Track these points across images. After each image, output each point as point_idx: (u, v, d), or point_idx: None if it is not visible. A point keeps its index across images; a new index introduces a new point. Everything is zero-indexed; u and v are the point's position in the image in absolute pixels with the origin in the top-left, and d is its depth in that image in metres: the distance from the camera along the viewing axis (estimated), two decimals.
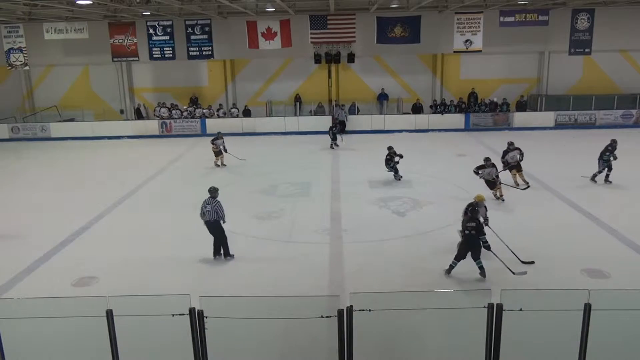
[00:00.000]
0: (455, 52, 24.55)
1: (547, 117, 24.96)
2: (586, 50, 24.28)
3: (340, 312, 5.78)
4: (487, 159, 13.59)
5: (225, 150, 18.45)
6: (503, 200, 13.63)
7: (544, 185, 15.23)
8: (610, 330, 5.95)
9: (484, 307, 5.94)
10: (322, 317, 5.85)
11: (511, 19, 23.75)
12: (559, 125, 24.80)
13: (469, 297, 7.98)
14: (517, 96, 25.74)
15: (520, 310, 5.72)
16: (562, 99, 25.45)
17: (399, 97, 26.29)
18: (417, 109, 25.53)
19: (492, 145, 21.37)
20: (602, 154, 15.07)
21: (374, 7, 22.45)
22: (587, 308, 5.55)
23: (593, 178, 15.26)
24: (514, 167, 15.02)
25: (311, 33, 24.28)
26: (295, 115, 25.79)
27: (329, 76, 26.70)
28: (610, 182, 15.03)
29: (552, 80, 26.33)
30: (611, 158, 14.94)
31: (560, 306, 5.65)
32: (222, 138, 18.50)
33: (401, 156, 15.94)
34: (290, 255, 10.74)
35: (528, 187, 14.47)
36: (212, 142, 18.40)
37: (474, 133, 24.23)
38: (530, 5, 23.07)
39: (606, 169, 15.01)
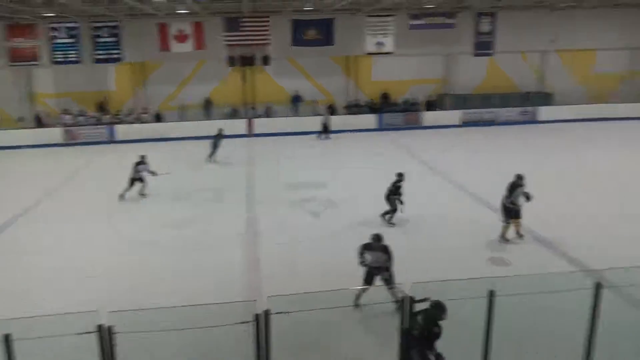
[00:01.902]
0: (367, 54, 25.18)
1: (454, 116, 26.17)
2: (489, 51, 25.79)
3: (257, 317, 5.73)
4: (376, 237, 8.64)
5: (154, 174, 15.02)
6: (357, 305, 8.38)
7: (448, 180, 15.93)
8: (513, 313, 6.32)
9: (397, 301, 6.11)
10: (238, 323, 5.78)
11: (420, 22, 24.75)
12: (465, 123, 26.05)
13: (385, 293, 8.19)
14: (426, 96, 26.77)
15: (426, 299, 5.97)
16: (468, 98, 26.78)
17: (313, 99, 26.53)
18: (332, 110, 25.88)
19: (406, 143, 22.11)
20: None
21: (288, 9, 22.52)
22: (491, 294, 5.84)
23: None
24: (517, 214, 11.15)
25: (225, 35, 23.98)
26: (207, 119, 25.32)
27: (244, 79, 26.47)
28: None
29: (458, 80, 27.62)
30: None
31: (467, 294, 5.92)
32: (146, 162, 15.08)
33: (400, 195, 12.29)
34: (206, 263, 10.53)
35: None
36: (136, 166, 14.88)
37: (387, 132, 24.93)
38: (438, 9, 24.08)
39: None
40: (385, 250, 8.50)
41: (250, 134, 24.70)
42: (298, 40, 24.46)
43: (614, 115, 26.05)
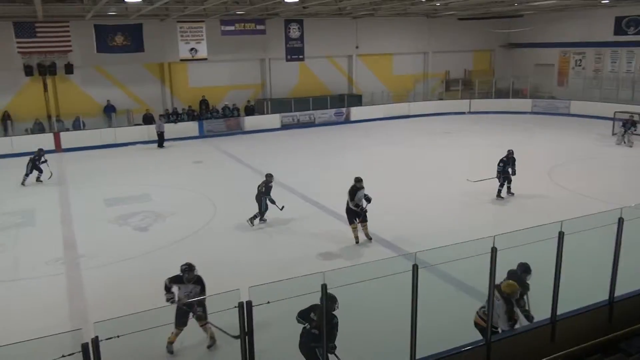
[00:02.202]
0: (181, 60, 24.68)
1: (273, 120, 26.85)
2: (300, 56, 27.08)
3: (84, 347, 5.27)
4: (187, 267, 7.38)
5: None
6: (171, 351, 7.40)
7: (283, 185, 16.28)
8: (350, 304, 6.71)
9: (235, 307, 6.09)
10: (65, 355, 5.26)
11: (232, 27, 24.96)
12: (284, 126, 26.90)
13: (222, 299, 8.07)
14: (245, 101, 27.09)
15: (268, 302, 6.05)
16: (285, 102, 27.69)
17: (128, 109, 25.13)
18: (148, 119, 24.75)
19: (228, 149, 22.09)
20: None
21: (90, 14, 20.93)
22: (324, 288, 6.13)
23: (498, 194, 14.07)
24: (364, 217, 11.34)
25: (17, 42, 21.59)
26: (6, 135, 22.53)
27: (45, 89, 24.04)
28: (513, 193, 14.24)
29: (274, 85, 28.43)
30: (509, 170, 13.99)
31: (304, 291, 6.14)
32: None
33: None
34: (19, 295, 9.43)
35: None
36: None
37: (209, 139, 24.66)
38: (247, 15, 24.45)
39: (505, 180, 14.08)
40: (199, 281, 7.34)
41: (58, 150, 22.51)
42: (104, 46, 23.02)
43: (412, 113, 29.13)
